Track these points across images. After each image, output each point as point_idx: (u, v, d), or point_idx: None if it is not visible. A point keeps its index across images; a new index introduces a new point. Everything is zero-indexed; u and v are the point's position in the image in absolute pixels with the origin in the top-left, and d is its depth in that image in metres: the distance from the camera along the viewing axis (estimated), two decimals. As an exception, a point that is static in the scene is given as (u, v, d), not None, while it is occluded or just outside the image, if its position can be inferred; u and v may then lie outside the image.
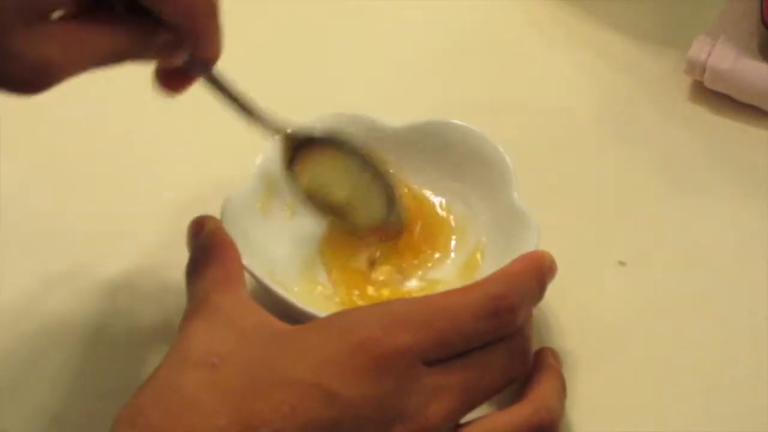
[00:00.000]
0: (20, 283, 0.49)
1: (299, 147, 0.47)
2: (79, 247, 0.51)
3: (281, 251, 0.48)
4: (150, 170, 0.55)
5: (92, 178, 0.55)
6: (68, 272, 0.50)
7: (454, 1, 0.64)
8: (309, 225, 0.50)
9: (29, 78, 0.36)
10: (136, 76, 0.57)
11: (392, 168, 0.49)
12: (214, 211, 0.46)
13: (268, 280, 0.45)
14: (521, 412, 0.40)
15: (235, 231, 0.44)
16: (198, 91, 0.58)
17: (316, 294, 0.48)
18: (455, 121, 0.51)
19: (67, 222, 0.53)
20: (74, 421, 0.45)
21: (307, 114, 0.49)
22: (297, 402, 0.36)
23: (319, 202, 0.48)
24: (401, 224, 0.49)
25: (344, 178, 0.48)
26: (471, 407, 0.39)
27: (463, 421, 0.39)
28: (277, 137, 0.47)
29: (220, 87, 0.44)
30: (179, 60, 0.42)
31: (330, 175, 0.48)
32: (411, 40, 0.62)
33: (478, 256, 0.49)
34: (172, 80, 0.43)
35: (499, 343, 0.40)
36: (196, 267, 0.42)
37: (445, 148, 0.51)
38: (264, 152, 0.49)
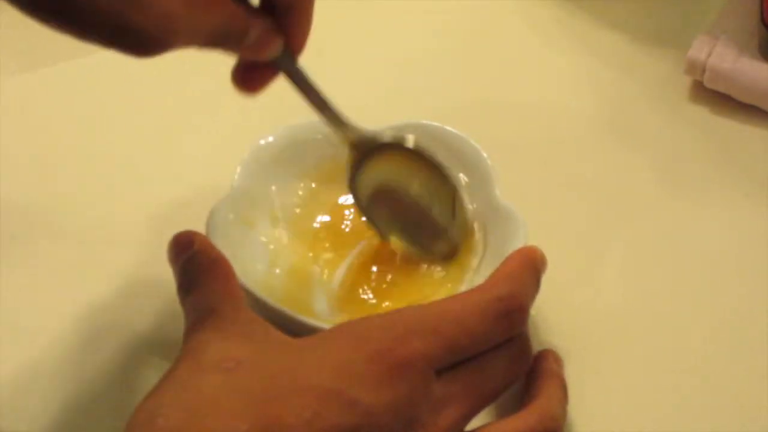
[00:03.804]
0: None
1: (369, 153, 0.48)
2: (64, 254, 0.51)
3: (265, 262, 0.48)
4: (131, 180, 0.55)
5: (76, 185, 0.55)
6: (51, 281, 0.50)
7: (452, 1, 0.64)
8: (293, 233, 0.50)
9: (153, 32, 0.36)
10: (118, 86, 0.59)
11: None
12: (198, 221, 0.45)
13: (263, 294, 0.44)
14: (525, 420, 0.40)
15: (220, 245, 0.43)
16: (181, 99, 0.59)
17: (301, 304, 0.47)
18: (432, 123, 0.51)
19: (53, 228, 0.52)
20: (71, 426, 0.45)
21: (297, 115, 0.49)
22: (319, 408, 0.35)
23: (383, 212, 0.49)
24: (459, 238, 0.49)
25: (413, 186, 0.49)
26: (477, 411, 0.39)
27: (468, 428, 0.39)
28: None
29: (302, 83, 0.45)
30: (272, 53, 0.42)
31: (400, 182, 0.48)
32: (408, 40, 0.62)
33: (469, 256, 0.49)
34: (252, 77, 0.43)
35: (501, 343, 0.40)
36: (193, 282, 0.42)
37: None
38: (244, 162, 0.49)
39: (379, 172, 0.48)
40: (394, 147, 0.48)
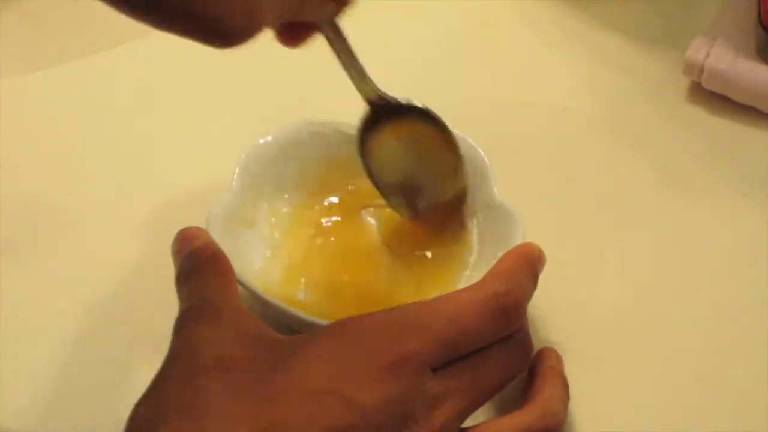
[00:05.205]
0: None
1: (384, 116, 0.48)
2: (65, 254, 0.51)
3: (262, 259, 0.48)
4: (130, 180, 0.55)
5: (75, 186, 0.55)
6: (51, 280, 0.50)
7: (452, 2, 0.64)
8: (291, 232, 0.50)
9: (238, 23, 0.35)
10: (117, 87, 0.59)
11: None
12: (198, 220, 0.45)
13: (261, 291, 0.44)
14: (526, 417, 0.40)
15: (219, 243, 0.43)
16: (180, 99, 0.59)
17: (297, 300, 0.47)
18: None
19: (52, 228, 0.53)
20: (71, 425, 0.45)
21: (295, 115, 0.49)
22: (316, 409, 0.36)
23: (385, 177, 0.49)
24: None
25: (417, 155, 0.49)
26: (476, 407, 0.39)
27: (465, 424, 0.39)
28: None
29: (338, 40, 0.46)
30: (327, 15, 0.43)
31: (402, 151, 0.49)
32: (408, 40, 0.62)
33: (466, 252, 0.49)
34: (295, 33, 0.44)
35: (499, 340, 0.40)
36: (191, 272, 0.42)
37: None
38: (242, 162, 0.49)
39: (389, 133, 0.49)
40: (409, 111, 0.48)
